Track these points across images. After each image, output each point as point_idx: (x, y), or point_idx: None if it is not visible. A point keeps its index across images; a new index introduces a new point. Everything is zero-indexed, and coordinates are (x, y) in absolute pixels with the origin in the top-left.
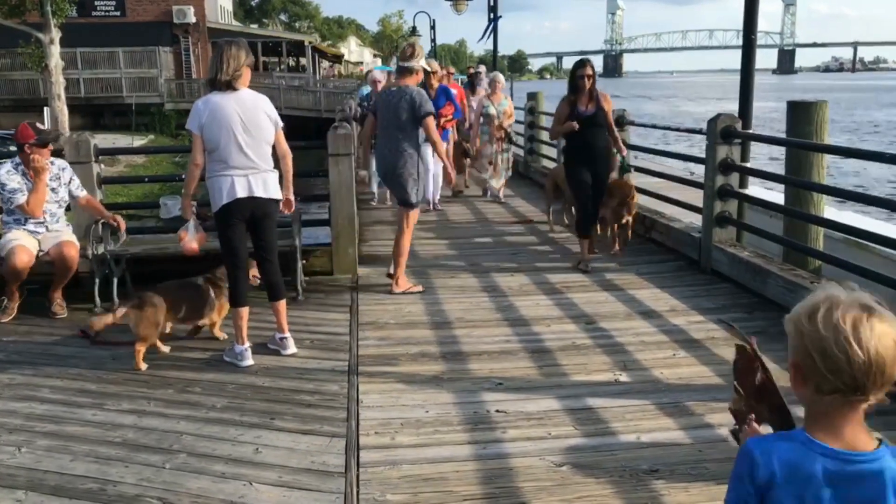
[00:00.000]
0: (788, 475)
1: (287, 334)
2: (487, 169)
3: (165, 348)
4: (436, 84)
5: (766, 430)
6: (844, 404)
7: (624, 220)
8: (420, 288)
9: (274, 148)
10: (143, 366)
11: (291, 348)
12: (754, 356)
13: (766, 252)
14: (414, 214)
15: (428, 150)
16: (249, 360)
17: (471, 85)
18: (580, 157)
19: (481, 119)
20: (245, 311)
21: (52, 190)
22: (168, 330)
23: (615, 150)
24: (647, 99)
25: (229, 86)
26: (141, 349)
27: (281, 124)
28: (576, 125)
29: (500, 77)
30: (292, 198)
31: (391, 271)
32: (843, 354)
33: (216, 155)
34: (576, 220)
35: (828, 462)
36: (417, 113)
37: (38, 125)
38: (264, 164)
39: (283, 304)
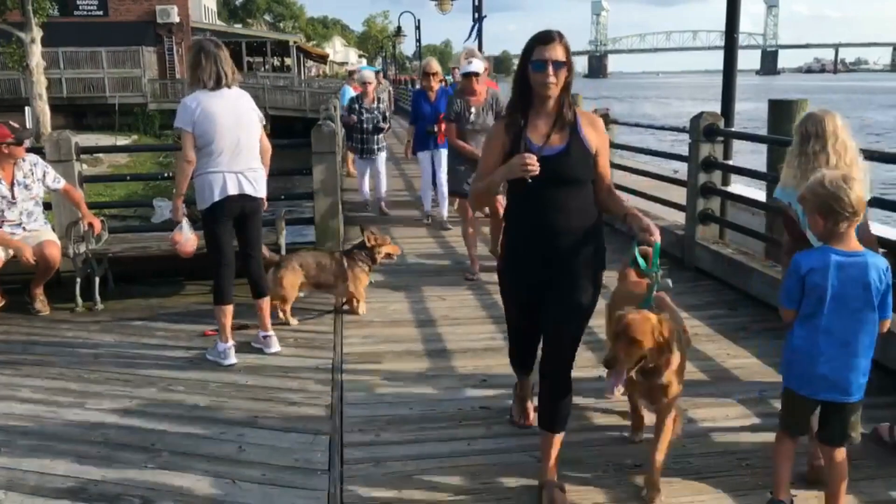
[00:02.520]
0: (816, 264)
1: (271, 332)
2: None
3: (294, 321)
4: (436, 86)
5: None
6: (847, 226)
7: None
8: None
9: None
10: (294, 321)
11: (275, 346)
12: None
13: (749, 249)
14: (463, 203)
15: (426, 156)
16: (233, 359)
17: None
18: (524, 251)
19: None
20: (229, 309)
21: (26, 187)
22: (303, 294)
23: (638, 240)
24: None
25: (227, 86)
26: (285, 307)
27: (262, 119)
28: (532, 168)
29: None
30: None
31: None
32: (846, 197)
33: (207, 151)
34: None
35: (837, 256)
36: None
37: (12, 123)
38: (254, 161)
39: (266, 301)
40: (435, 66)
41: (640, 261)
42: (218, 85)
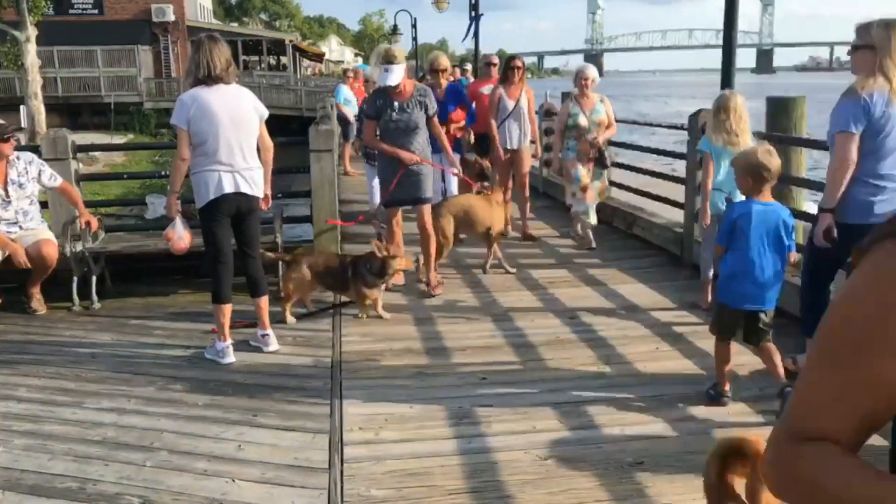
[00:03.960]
0: (742, 212)
1: (269, 331)
2: (575, 197)
3: (292, 320)
4: (444, 83)
5: None
6: (766, 185)
7: None
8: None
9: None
10: (291, 319)
11: (274, 345)
12: None
13: None
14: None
15: (434, 160)
16: (231, 358)
17: (505, 76)
18: None
19: (566, 130)
20: (228, 308)
21: (20, 186)
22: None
23: None
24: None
25: (221, 80)
26: (286, 306)
27: (266, 115)
28: None
29: (592, 71)
30: (270, 193)
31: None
32: (771, 167)
33: (203, 149)
34: None
35: (757, 206)
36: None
37: None
38: (251, 160)
39: (265, 300)
40: (444, 62)
41: None
42: (209, 77)
